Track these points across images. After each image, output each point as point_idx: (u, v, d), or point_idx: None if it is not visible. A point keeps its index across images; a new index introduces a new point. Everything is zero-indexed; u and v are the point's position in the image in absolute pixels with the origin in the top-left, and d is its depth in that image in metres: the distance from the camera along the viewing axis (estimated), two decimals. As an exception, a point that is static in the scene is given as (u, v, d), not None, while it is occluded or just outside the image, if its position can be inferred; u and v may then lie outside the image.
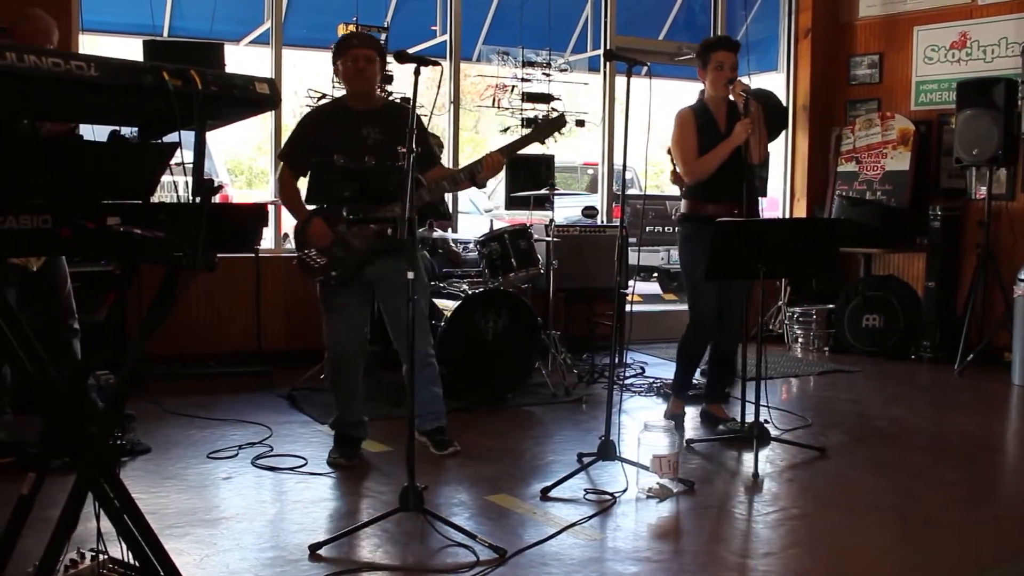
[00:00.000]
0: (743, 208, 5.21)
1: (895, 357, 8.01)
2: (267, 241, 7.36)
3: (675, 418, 5.42)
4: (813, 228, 5.80)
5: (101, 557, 2.90)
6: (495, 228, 6.57)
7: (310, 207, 4.75)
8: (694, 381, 6.31)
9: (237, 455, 4.83)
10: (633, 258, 6.97)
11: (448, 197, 7.81)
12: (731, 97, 5.34)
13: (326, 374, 5.00)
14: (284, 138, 6.85)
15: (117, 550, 2.84)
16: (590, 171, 12.87)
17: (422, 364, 4.74)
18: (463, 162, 6.56)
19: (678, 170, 5.48)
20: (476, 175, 4.66)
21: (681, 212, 5.55)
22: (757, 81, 9.04)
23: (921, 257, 8.37)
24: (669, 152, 5.62)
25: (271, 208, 7.20)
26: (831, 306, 8.50)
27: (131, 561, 2.82)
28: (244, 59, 7.62)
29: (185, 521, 3.86)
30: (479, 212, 12.72)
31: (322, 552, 3.54)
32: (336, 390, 4.87)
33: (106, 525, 2.72)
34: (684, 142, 5.39)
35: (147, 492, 4.16)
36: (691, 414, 5.81)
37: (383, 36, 7.24)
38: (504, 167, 4.75)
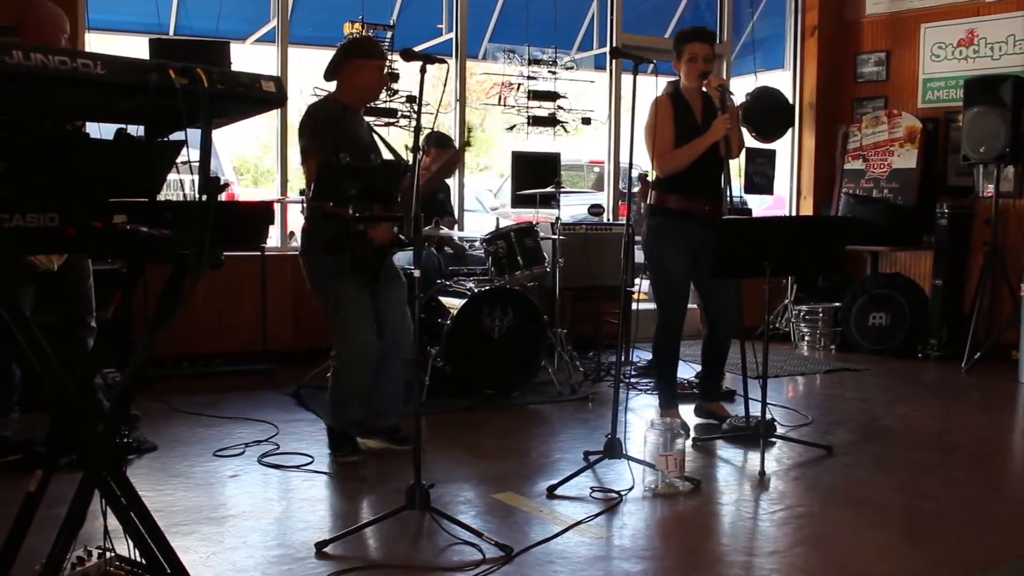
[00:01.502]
0: (717, 204, 5.18)
1: (902, 355, 8.00)
2: (273, 239, 7.36)
3: None
4: (818, 226, 5.78)
5: (108, 555, 2.91)
6: (501, 226, 6.56)
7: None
8: (694, 380, 6.33)
9: (243, 453, 4.84)
10: (639, 256, 6.95)
11: (454, 196, 7.81)
12: (704, 90, 5.29)
13: (343, 379, 4.76)
14: (292, 136, 6.87)
15: (124, 548, 2.85)
16: (596, 169, 12.87)
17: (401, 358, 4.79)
18: (468, 159, 6.57)
19: (651, 160, 5.33)
20: None
21: (650, 204, 5.40)
22: (763, 79, 9.07)
23: (928, 255, 8.36)
24: None
25: (277, 206, 7.20)
26: (837, 304, 8.50)
27: (138, 559, 2.83)
28: (250, 57, 7.63)
29: (191, 519, 3.86)
30: (485, 210, 12.71)
31: (328, 550, 3.54)
32: (356, 390, 4.73)
33: (113, 523, 2.73)
34: (659, 132, 5.23)
35: (153, 490, 4.17)
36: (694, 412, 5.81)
37: (388, 34, 7.25)
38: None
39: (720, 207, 5.22)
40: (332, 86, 4.83)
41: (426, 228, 6.48)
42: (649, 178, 6.56)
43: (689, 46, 5.24)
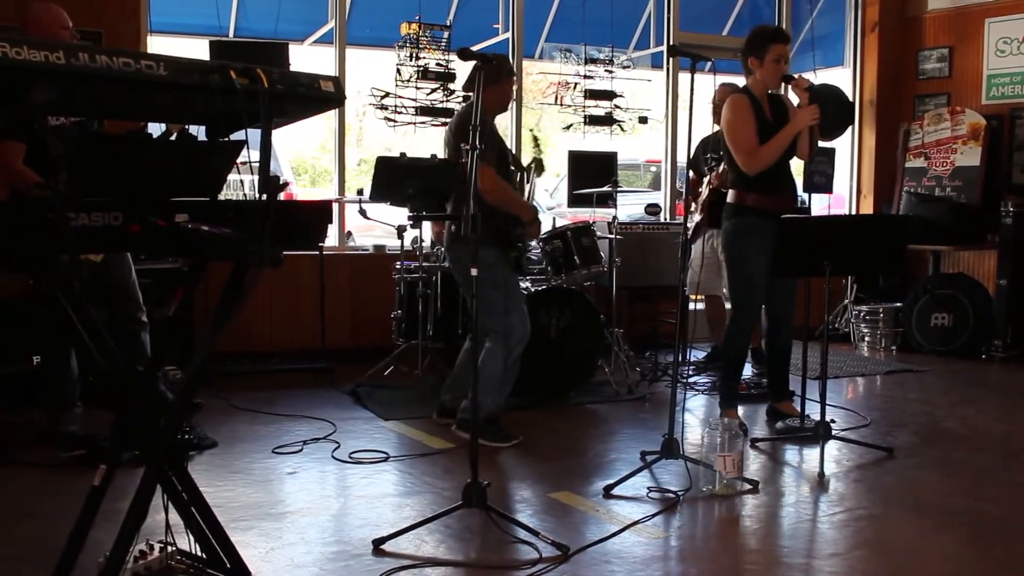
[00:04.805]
0: (795, 200, 5.14)
1: (965, 356, 7.86)
2: (331, 239, 7.42)
3: None
4: (879, 225, 5.69)
5: (169, 548, 2.95)
6: (558, 226, 6.54)
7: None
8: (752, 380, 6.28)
9: (301, 450, 4.88)
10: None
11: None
12: (792, 93, 5.23)
13: (506, 357, 5.03)
14: (350, 136, 6.91)
15: (185, 542, 2.89)
16: (653, 168, 12.80)
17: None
18: (524, 160, 6.58)
19: (736, 160, 5.19)
20: None
21: (733, 204, 5.28)
22: (823, 76, 8.95)
23: (992, 254, 8.20)
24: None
25: (335, 206, 7.26)
26: (899, 304, 8.37)
27: (198, 553, 2.87)
28: (308, 59, 7.70)
29: (251, 514, 3.91)
30: (542, 210, 12.71)
31: (385, 547, 3.56)
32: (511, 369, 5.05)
33: (174, 517, 2.78)
34: (744, 130, 5.14)
35: (213, 486, 4.22)
36: (756, 413, 5.76)
37: (445, 34, 7.28)
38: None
39: (796, 203, 5.18)
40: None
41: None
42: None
43: (775, 47, 5.14)
